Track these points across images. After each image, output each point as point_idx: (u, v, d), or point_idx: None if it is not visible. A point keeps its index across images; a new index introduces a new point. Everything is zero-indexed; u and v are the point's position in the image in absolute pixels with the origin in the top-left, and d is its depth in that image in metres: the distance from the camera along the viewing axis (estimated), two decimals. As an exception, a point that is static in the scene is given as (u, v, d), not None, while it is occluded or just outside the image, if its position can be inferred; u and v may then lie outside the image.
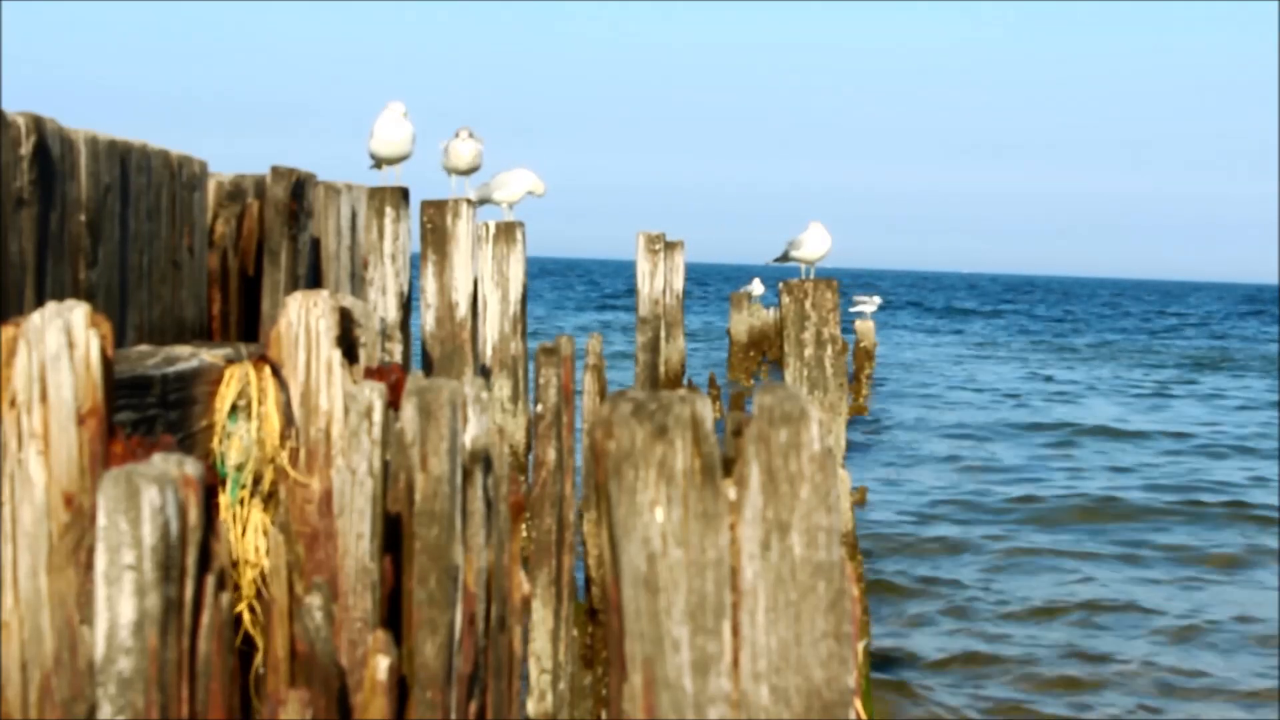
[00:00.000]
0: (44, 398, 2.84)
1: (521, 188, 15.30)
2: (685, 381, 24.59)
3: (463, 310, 10.02)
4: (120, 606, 2.62)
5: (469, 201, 10.24)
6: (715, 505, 2.36)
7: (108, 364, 2.88)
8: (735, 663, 2.36)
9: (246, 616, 3.48)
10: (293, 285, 5.17)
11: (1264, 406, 34.95)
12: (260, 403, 3.58)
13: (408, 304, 7.27)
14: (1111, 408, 32.92)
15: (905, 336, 58.21)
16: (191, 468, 2.71)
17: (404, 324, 7.24)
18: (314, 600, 3.25)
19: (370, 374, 3.70)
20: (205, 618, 2.74)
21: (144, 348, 3.99)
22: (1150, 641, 12.98)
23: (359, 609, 3.46)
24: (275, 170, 5.23)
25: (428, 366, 9.76)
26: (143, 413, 3.38)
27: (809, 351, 11.55)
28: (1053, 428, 27.90)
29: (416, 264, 9.21)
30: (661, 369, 22.65)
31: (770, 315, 34.97)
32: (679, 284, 25.09)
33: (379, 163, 10.10)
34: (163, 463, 2.68)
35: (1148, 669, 12.11)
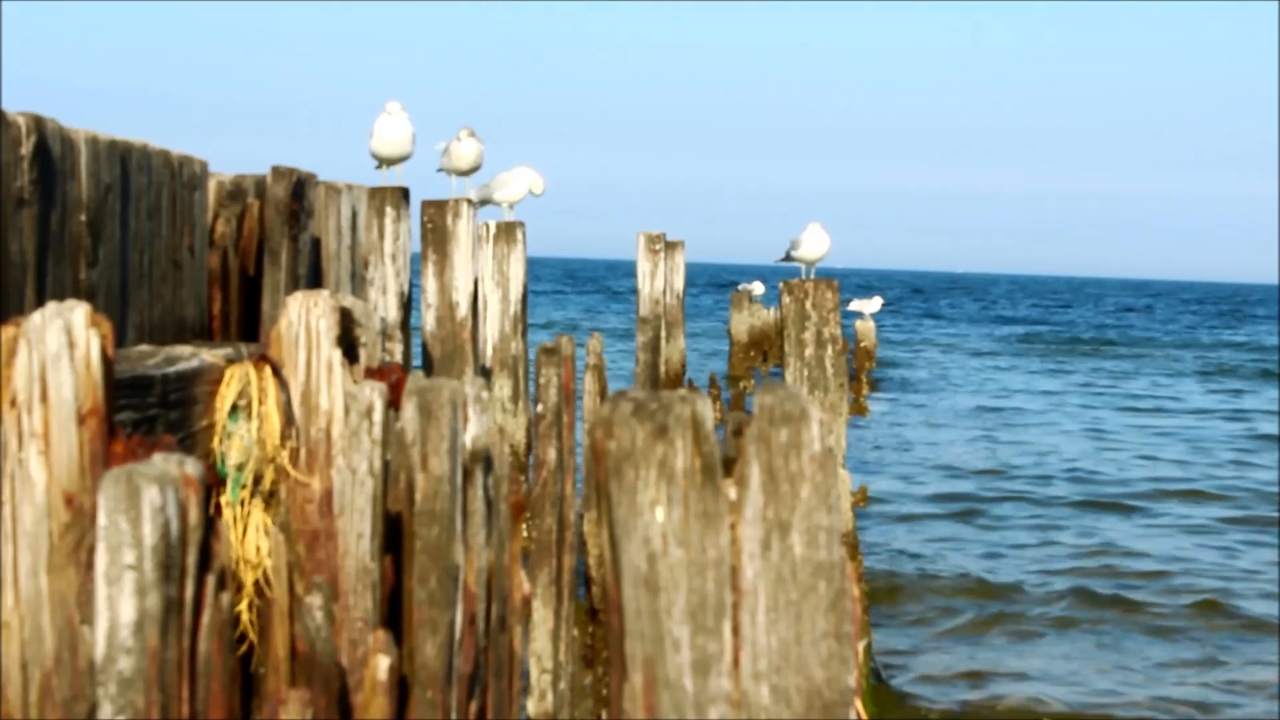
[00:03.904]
0: (44, 397, 2.84)
1: (522, 187, 15.30)
2: (686, 381, 24.59)
3: (463, 310, 10.02)
4: (121, 606, 2.63)
5: (469, 201, 10.24)
6: (716, 505, 2.36)
7: (108, 364, 2.88)
8: (735, 662, 2.36)
9: (245, 617, 3.48)
10: (293, 285, 5.17)
11: None
12: (261, 402, 3.58)
13: (408, 304, 7.26)
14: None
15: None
16: (192, 467, 2.71)
17: (404, 324, 7.24)
18: (314, 600, 3.25)
19: (370, 374, 3.70)
20: (205, 618, 2.74)
21: (144, 347, 3.99)
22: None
23: (359, 609, 3.46)
24: (275, 170, 5.23)
25: (428, 366, 9.76)
26: (143, 412, 3.38)
27: (809, 351, 11.55)
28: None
29: (417, 264, 9.22)
30: (662, 369, 22.65)
31: (770, 315, 34.97)
32: (679, 284, 25.09)
33: (380, 163, 10.11)
34: (163, 463, 2.68)
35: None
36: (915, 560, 15.48)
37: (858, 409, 28.75)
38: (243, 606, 3.47)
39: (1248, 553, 16.67)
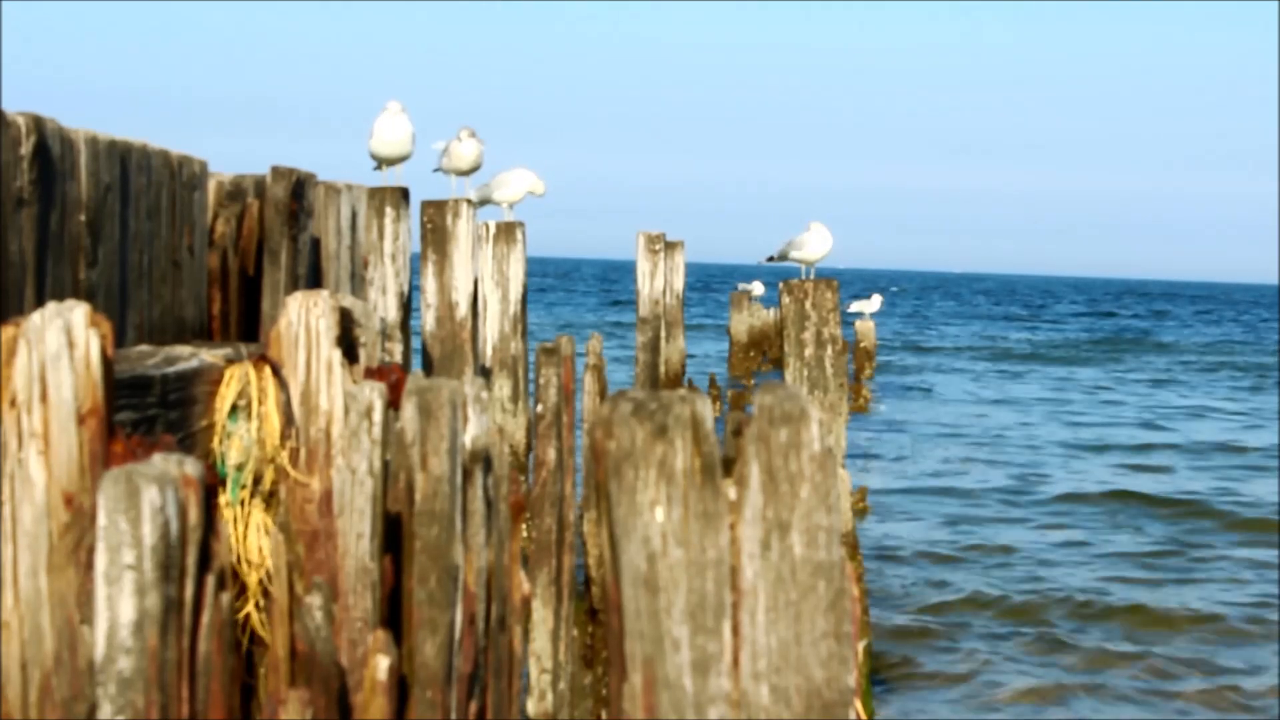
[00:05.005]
0: (44, 397, 2.84)
1: (522, 187, 15.29)
2: (685, 381, 24.60)
3: (463, 310, 10.02)
4: (120, 606, 2.63)
5: (469, 201, 10.25)
6: (715, 505, 2.36)
7: (108, 364, 2.88)
8: (735, 662, 2.36)
9: (255, 617, 3.48)
10: (293, 285, 5.17)
11: None
12: (260, 402, 3.58)
13: (408, 304, 7.27)
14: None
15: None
16: (191, 467, 2.71)
17: (404, 324, 7.24)
18: (314, 600, 3.25)
19: (370, 374, 3.70)
20: (205, 617, 2.74)
21: (144, 347, 3.99)
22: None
23: (359, 609, 3.46)
24: (275, 170, 5.23)
25: (428, 366, 9.76)
26: (143, 412, 3.38)
27: (809, 351, 11.55)
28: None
29: (417, 264, 9.21)
30: (662, 369, 22.65)
31: (770, 315, 34.96)
32: (679, 284, 25.10)
33: (380, 163, 10.11)
34: (163, 462, 2.68)
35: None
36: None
37: (858, 408, 28.72)
38: (250, 607, 3.47)
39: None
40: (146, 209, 4.45)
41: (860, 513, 17.01)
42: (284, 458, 3.53)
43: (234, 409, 3.61)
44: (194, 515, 2.70)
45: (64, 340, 2.85)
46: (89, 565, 2.83)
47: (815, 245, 14.32)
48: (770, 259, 14.93)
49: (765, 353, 34.88)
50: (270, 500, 3.55)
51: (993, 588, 14.73)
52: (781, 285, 12.04)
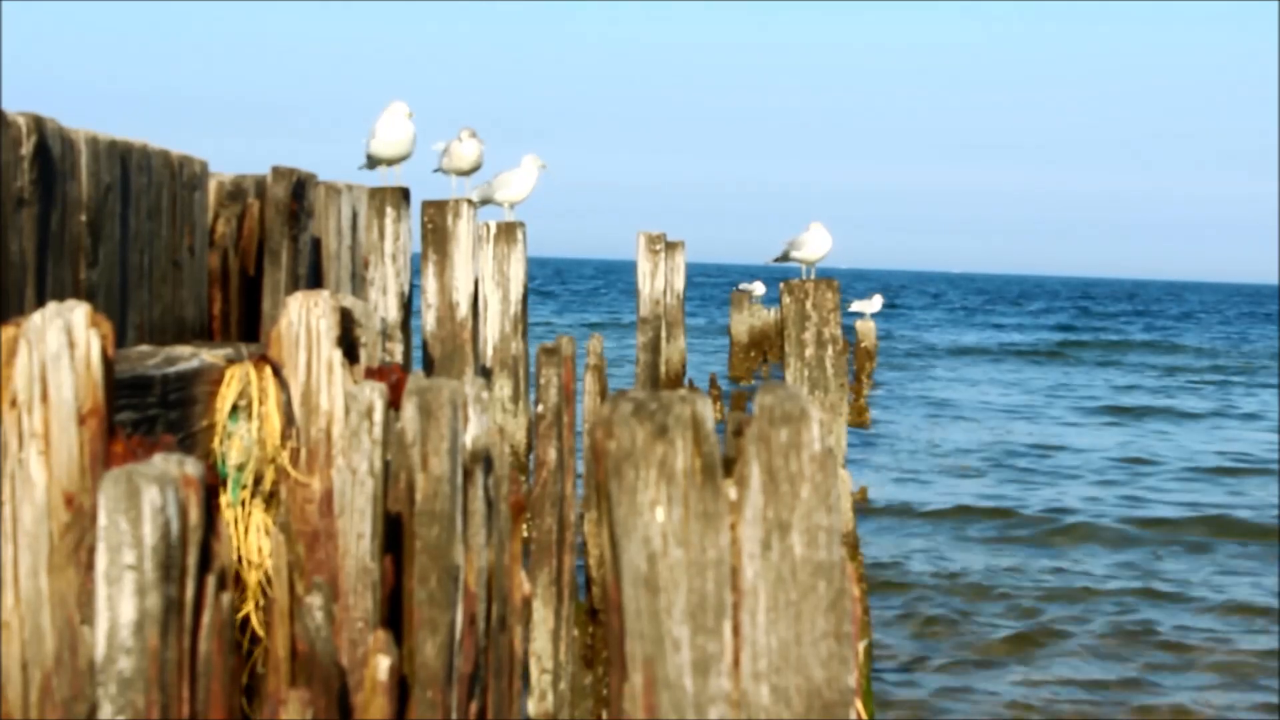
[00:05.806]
0: (45, 397, 2.84)
1: (524, 188, 15.28)
2: (686, 381, 24.60)
3: (463, 310, 10.03)
4: (121, 606, 2.63)
5: (470, 202, 10.25)
6: (716, 505, 2.36)
7: (108, 364, 2.88)
8: (736, 662, 2.36)
9: (255, 617, 3.48)
10: (293, 285, 5.17)
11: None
12: (261, 403, 3.58)
13: (408, 304, 7.27)
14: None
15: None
16: (192, 467, 2.71)
17: (404, 324, 7.24)
18: (314, 600, 3.25)
19: (371, 374, 3.70)
20: (206, 617, 2.74)
21: (145, 348, 3.99)
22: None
23: (359, 609, 3.46)
24: (276, 170, 5.23)
25: (428, 366, 9.76)
26: (143, 413, 3.38)
27: (810, 351, 11.55)
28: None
29: (417, 264, 9.21)
30: (662, 369, 22.65)
31: (771, 315, 34.96)
32: (679, 284, 25.09)
33: (375, 163, 10.11)
34: (163, 463, 2.68)
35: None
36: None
37: (858, 410, 28.66)
38: (250, 607, 3.47)
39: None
40: (147, 209, 4.45)
41: (861, 511, 16.99)
42: (284, 458, 3.53)
43: (234, 409, 3.61)
44: (194, 515, 2.70)
45: (64, 340, 2.85)
46: (89, 565, 2.83)
47: (815, 245, 14.35)
48: (775, 260, 14.99)
49: (765, 353, 34.88)
50: (271, 500, 3.55)
51: (992, 589, 14.74)
52: (782, 285, 12.05)
